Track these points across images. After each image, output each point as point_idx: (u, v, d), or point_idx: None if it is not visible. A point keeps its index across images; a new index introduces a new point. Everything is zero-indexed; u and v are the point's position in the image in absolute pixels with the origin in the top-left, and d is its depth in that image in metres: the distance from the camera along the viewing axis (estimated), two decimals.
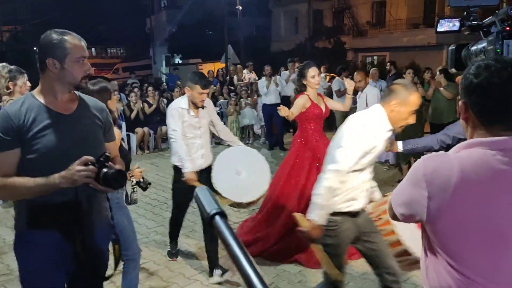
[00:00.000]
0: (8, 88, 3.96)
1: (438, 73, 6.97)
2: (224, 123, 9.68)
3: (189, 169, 3.52)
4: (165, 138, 9.54)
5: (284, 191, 4.13)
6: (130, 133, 8.87)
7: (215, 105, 10.70)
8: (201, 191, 0.81)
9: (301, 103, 3.98)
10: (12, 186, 1.80)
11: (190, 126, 3.63)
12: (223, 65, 16.70)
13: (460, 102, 1.29)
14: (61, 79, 1.88)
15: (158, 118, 9.31)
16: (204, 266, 3.91)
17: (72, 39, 1.89)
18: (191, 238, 4.56)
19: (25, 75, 4.08)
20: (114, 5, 37.82)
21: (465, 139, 2.74)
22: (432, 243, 1.28)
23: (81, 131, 1.94)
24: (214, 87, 11.30)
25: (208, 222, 0.73)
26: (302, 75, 4.01)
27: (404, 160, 6.39)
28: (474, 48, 1.84)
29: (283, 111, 3.86)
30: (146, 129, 8.99)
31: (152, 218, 5.22)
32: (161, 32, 32.04)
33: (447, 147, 3.08)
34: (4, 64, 4.05)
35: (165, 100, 9.95)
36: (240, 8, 18.92)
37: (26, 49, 23.11)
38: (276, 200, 4.19)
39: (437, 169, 1.22)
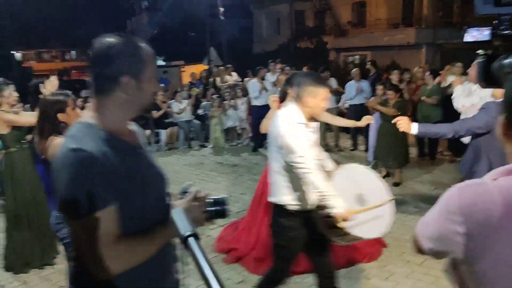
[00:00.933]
0: None
1: (428, 73, 7.22)
2: (208, 126, 9.85)
3: (342, 205, 2.41)
4: (148, 142, 9.53)
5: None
6: None
7: (198, 107, 10.81)
8: (176, 213, 0.88)
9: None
10: (132, 250, 1.35)
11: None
12: (206, 67, 16.70)
13: (500, 118, 1.12)
14: (133, 102, 1.41)
15: (141, 122, 9.28)
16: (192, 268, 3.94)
17: (147, 48, 1.45)
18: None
19: (11, 85, 4.02)
20: (94, 8, 37.45)
21: (480, 134, 2.80)
22: (467, 283, 1.09)
23: (154, 165, 1.58)
24: (197, 89, 11.31)
25: (182, 242, 0.81)
26: (289, 84, 3.56)
27: (403, 163, 6.32)
28: (508, 61, 1.72)
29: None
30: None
31: None
32: (142, 34, 31.80)
33: (458, 138, 3.14)
34: None
35: None
36: (222, 10, 18.94)
37: (5, 54, 22.73)
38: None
39: (476, 201, 1.03)
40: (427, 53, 19.81)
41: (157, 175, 1.55)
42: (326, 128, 8.48)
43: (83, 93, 9.91)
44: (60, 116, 2.74)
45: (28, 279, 3.88)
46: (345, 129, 8.63)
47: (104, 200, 1.26)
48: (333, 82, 9.16)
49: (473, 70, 4.48)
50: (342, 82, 9.59)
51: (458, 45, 18.90)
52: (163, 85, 13.64)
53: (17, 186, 3.95)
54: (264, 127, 3.71)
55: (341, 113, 8.60)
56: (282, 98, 3.58)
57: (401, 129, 2.94)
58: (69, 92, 2.89)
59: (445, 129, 3.03)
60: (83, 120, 1.40)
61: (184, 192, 1.53)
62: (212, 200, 1.48)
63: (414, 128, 2.93)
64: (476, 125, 2.87)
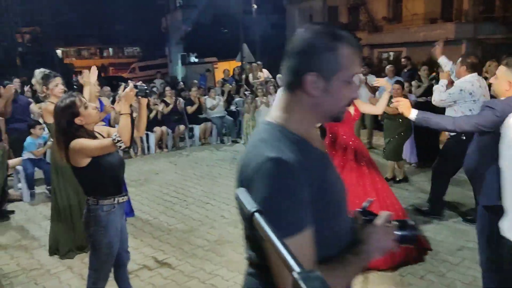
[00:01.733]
0: (43, 92, 4.17)
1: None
2: (240, 122, 9.91)
3: None
4: (182, 137, 9.73)
5: None
6: (149, 132, 9.04)
7: (231, 104, 10.92)
8: (241, 192, 0.91)
9: None
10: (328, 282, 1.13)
11: None
12: (239, 63, 16.79)
13: None
14: (317, 106, 1.20)
15: (175, 118, 9.47)
16: (224, 261, 4.03)
17: (349, 47, 1.21)
18: (211, 235, 4.68)
19: (58, 78, 4.18)
20: (129, 5, 38.32)
21: (484, 132, 2.74)
22: None
23: (340, 177, 1.33)
24: (230, 86, 11.42)
25: (248, 219, 0.83)
26: None
27: (391, 157, 6.23)
28: None
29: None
30: (164, 128, 9.16)
31: (172, 215, 5.35)
32: (176, 31, 32.28)
33: (460, 132, 3.05)
34: (41, 70, 4.25)
35: (181, 100, 10.10)
36: (255, 6, 18.96)
37: (45, 50, 23.63)
38: None
39: None
40: (467, 49, 19.15)
41: (344, 189, 1.29)
42: (360, 125, 8.40)
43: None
44: (77, 120, 2.63)
45: (72, 264, 4.07)
46: (379, 127, 8.49)
47: (302, 220, 1.06)
48: (372, 78, 9.04)
49: (459, 67, 4.55)
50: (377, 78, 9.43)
51: (499, 40, 18.21)
52: (202, 82, 13.86)
53: (61, 175, 4.12)
54: None
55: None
56: None
57: (400, 109, 2.95)
58: (74, 93, 2.75)
59: (446, 121, 2.96)
60: (271, 121, 1.23)
61: (366, 212, 1.30)
62: (398, 223, 1.27)
63: (413, 113, 2.90)
64: (482, 123, 2.79)
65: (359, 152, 4.01)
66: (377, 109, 4.22)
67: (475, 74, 4.51)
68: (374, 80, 5.13)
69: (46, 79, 4.14)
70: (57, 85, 4.13)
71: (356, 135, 4.26)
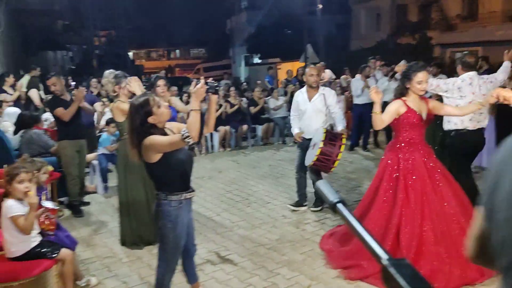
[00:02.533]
0: (114, 91, 4.47)
1: None
2: None
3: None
4: (245, 137, 9.89)
5: (375, 210, 3.80)
6: (213, 132, 9.30)
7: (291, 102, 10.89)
8: (322, 184, 0.93)
9: (393, 109, 3.67)
10: None
11: None
12: (302, 64, 16.75)
13: None
14: None
15: (239, 117, 9.65)
16: (284, 260, 4.05)
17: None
18: (273, 234, 4.72)
19: (127, 78, 4.46)
20: (196, 8, 39.55)
21: None
22: None
23: None
24: (293, 86, 11.42)
25: (332, 209, 0.86)
26: (407, 77, 3.68)
27: None
28: None
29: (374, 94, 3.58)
30: (227, 127, 9.37)
31: (235, 213, 5.47)
32: (241, 33, 32.85)
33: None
34: (111, 70, 4.64)
35: (245, 100, 10.27)
36: (321, 6, 18.81)
37: (118, 52, 25.10)
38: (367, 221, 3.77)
39: None
40: None
41: None
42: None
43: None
44: (150, 119, 2.69)
45: (141, 255, 4.30)
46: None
47: None
48: (443, 78, 8.63)
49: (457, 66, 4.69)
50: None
51: None
52: (268, 80, 13.99)
53: (129, 171, 4.34)
54: (379, 123, 3.70)
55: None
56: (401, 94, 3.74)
57: (501, 99, 2.87)
58: (148, 92, 2.84)
59: None
60: None
61: None
62: None
63: None
64: None
65: (431, 161, 3.74)
66: (461, 111, 4.01)
67: (471, 72, 4.58)
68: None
69: (118, 78, 4.46)
70: (159, 86, 4.58)
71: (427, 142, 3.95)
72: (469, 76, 4.52)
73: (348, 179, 6.72)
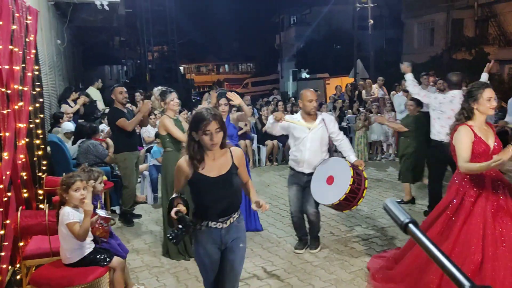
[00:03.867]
0: (161, 107, 4.68)
1: None
2: (352, 138, 9.72)
3: None
4: None
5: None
6: (260, 145, 9.33)
7: (342, 120, 10.75)
8: (390, 202, 0.90)
9: (463, 138, 3.20)
10: None
11: None
12: (351, 80, 16.54)
13: None
14: None
15: None
16: (333, 279, 3.94)
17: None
18: (320, 251, 4.62)
19: (173, 93, 4.61)
20: (245, 24, 40.32)
21: None
22: None
23: None
24: (342, 102, 11.28)
25: (403, 229, 0.82)
26: (473, 96, 3.26)
27: (405, 179, 6.12)
28: None
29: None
30: (275, 141, 9.36)
31: (281, 228, 5.41)
32: (289, 48, 33.04)
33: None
34: (158, 87, 4.80)
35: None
36: (372, 22, 18.56)
37: (170, 67, 25.94)
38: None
39: None
40: None
41: None
42: None
43: None
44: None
45: (188, 266, 4.34)
46: None
47: None
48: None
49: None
50: (506, 97, 8.52)
51: None
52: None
53: (170, 183, 4.37)
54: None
55: (503, 132, 7.64)
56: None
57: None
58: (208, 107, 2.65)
59: None
60: None
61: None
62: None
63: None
64: None
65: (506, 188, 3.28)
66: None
67: (455, 91, 5.01)
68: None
69: (163, 95, 4.59)
70: (173, 99, 4.56)
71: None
72: (452, 94, 5.00)
73: (399, 197, 6.47)
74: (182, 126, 4.59)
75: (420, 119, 5.96)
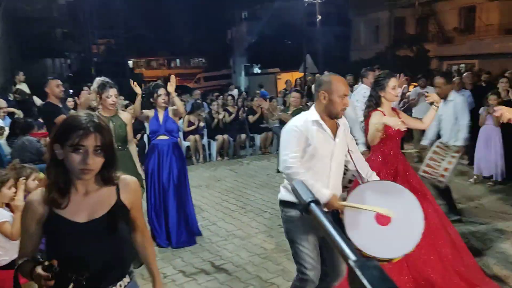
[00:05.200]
0: (97, 102, 4.05)
1: None
2: None
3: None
4: (243, 146, 9.85)
5: None
6: (211, 140, 9.27)
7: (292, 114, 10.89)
8: (297, 183, 0.91)
9: (378, 122, 3.39)
10: None
11: None
12: (301, 74, 16.81)
13: None
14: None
15: (237, 127, 9.63)
16: (280, 270, 3.99)
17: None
18: (269, 243, 4.66)
19: (113, 89, 3.92)
20: (197, 18, 39.83)
21: None
22: None
23: None
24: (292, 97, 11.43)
25: (305, 209, 0.83)
26: (380, 86, 3.54)
27: None
28: None
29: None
30: (226, 136, 9.33)
31: (231, 222, 5.41)
32: (241, 43, 33.06)
33: None
34: (101, 78, 4.07)
35: (244, 109, 10.26)
36: (320, 17, 18.94)
37: (117, 61, 25.16)
38: None
39: None
40: None
41: None
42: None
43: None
44: None
45: None
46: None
47: None
48: (430, 90, 8.65)
49: None
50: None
51: None
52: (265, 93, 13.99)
53: None
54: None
55: None
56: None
57: (504, 119, 2.78)
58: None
59: None
60: None
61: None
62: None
63: None
64: None
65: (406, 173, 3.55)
66: (423, 124, 3.90)
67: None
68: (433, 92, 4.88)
69: (101, 88, 3.92)
70: (110, 96, 3.90)
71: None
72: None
73: None
74: (122, 126, 4.03)
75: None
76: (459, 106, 4.89)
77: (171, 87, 4.54)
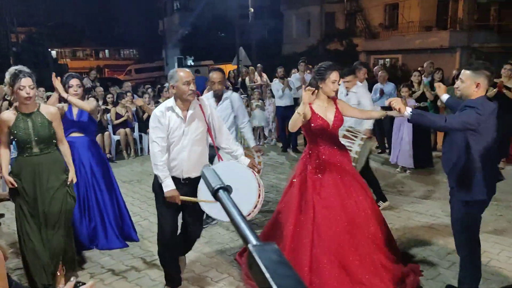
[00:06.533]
0: (11, 94, 3.59)
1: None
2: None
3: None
4: None
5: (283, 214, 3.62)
6: (142, 134, 8.99)
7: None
8: (206, 170, 0.90)
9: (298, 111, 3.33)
10: None
11: None
12: (235, 67, 16.81)
13: None
14: None
15: None
16: (213, 262, 3.98)
17: None
18: (202, 236, 4.62)
19: (26, 79, 3.27)
20: (127, 7, 38.34)
21: (473, 129, 2.82)
22: None
23: None
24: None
25: (213, 195, 0.83)
26: (321, 77, 3.44)
27: None
28: None
29: None
30: None
31: None
32: (173, 34, 32.35)
33: (447, 130, 3.14)
34: (16, 67, 3.40)
35: None
36: (252, 10, 19.03)
37: (39, 50, 23.56)
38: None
39: None
40: (461, 57, 19.31)
41: None
42: None
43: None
44: None
45: None
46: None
47: None
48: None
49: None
50: (371, 84, 9.46)
51: (493, 49, 18.36)
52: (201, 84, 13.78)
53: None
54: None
55: None
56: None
57: (395, 106, 2.95)
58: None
59: (439, 118, 3.01)
60: None
61: None
62: None
63: (408, 110, 2.95)
64: (469, 121, 2.89)
65: (342, 168, 3.50)
66: (360, 114, 3.80)
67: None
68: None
69: (13, 78, 3.29)
70: (23, 88, 3.26)
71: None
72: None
73: (279, 180, 6.80)
74: (44, 124, 3.39)
75: None
76: (363, 95, 5.18)
77: (57, 90, 4.08)
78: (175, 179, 3.21)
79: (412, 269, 3.64)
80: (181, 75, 3.13)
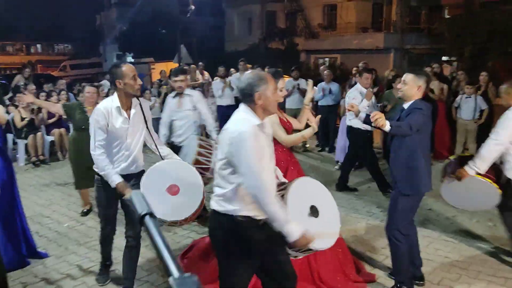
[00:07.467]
0: None
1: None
2: None
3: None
4: None
5: None
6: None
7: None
8: (135, 194, 0.89)
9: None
10: None
11: None
12: (176, 65, 16.53)
13: None
14: None
15: None
16: (153, 266, 3.90)
17: None
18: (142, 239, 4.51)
19: None
20: (62, 1, 36.44)
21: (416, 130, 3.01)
22: None
23: None
24: (167, 87, 11.18)
25: (139, 221, 0.81)
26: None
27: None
28: None
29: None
30: None
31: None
32: (111, 29, 31.21)
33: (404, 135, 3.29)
34: None
35: None
36: (193, 7, 18.80)
37: None
38: None
39: None
40: (395, 58, 20.34)
41: None
42: None
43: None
44: None
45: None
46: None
47: None
48: (302, 82, 9.27)
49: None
50: (314, 84, 9.74)
51: (424, 50, 19.53)
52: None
53: None
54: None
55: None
56: None
57: (378, 124, 3.03)
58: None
59: (405, 125, 3.14)
60: None
61: None
62: None
63: (387, 124, 3.07)
64: (416, 123, 3.11)
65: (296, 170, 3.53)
66: (299, 124, 3.73)
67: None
68: (305, 84, 5.24)
69: None
70: None
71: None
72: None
73: None
74: None
75: None
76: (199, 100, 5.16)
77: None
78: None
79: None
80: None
